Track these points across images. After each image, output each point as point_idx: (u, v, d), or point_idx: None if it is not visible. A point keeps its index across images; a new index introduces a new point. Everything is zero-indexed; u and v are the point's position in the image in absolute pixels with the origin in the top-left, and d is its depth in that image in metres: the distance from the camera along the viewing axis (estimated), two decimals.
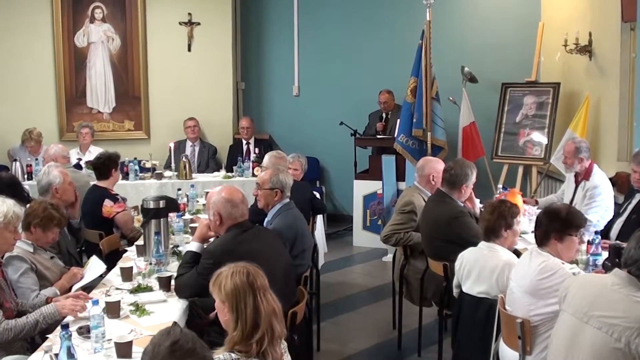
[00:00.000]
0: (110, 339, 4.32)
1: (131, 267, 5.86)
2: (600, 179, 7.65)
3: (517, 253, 5.61)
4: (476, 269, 5.48)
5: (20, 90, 12.03)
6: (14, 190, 7.08)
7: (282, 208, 6.36)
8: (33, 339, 5.09)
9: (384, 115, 11.88)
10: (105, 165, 7.94)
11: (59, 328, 4.25)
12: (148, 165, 10.74)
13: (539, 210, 5.86)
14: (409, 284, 7.24)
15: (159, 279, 5.51)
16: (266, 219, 6.42)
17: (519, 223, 5.62)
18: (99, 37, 12.27)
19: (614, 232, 7.03)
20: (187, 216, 8.05)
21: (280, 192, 6.38)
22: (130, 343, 4.19)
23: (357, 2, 12.89)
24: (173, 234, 7.00)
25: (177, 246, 6.67)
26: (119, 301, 4.98)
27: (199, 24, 12.50)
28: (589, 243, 5.86)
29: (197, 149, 12.15)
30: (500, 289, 5.16)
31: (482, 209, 6.11)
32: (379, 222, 10.89)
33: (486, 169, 10.99)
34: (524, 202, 7.87)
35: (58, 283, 5.66)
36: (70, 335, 3.96)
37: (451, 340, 6.09)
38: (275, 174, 6.43)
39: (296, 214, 6.44)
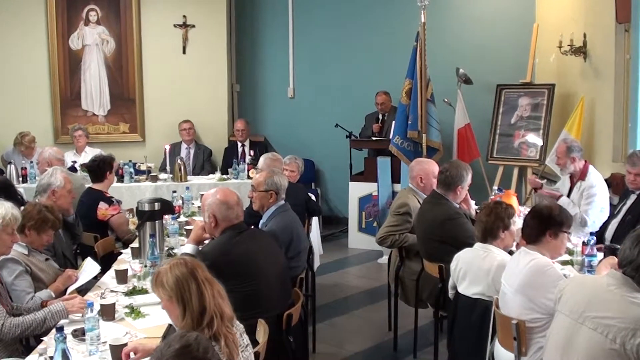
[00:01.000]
0: (105, 342, 4.32)
1: (126, 270, 5.86)
2: (596, 179, 7.68)
3: (512, 253, 5.62)
4: (472, 270, 5.48)
5: (15, 93, 12.02)
6: (7, 193, 7.07)
7: (277, 210, 6.37)
8: (28, 342, 5.09)
9: (380, 116, 11.88)
10: (100, 168, 7.93)
11: (53, 331, 4.24)
12: (143, 167, 10.72)
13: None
14: (404, 285, 7.23)
15: None
16: (261, 221, 6.42)
17: (515, 223, 5.63)
18: (93, 40, 12.26)
19: (609, 233, 7.03)
20: (182, 218, 8.06)
21: (275, 194, 6.38)
22: (125, 346, 4.18)
23: (352, 5, 12.90)
24: (168, 237, 7.00)
25: (172, 248, 6.68)
26: (114, 304, 4.98)
27: (193, 26, 12.50)
28: (584, 244, 5.87)
29: (192, 151, 12.15)
30: (496, 289, 5.16)
31: (478, 211, 6.11)
32: (375, 224, 10.88)
33: (481, 171, 11.01)
34: (533, 180, 7.92)
35: (53, 285, 5.64)
36: (65, 338, 3.96)
37: (447, 342, 6.09)
38: (270, 176, 6.43)
39: (291, 216, 6.44)
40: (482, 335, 5.30)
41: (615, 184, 8.05)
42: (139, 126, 12.55)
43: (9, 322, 4.77)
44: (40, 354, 4.16)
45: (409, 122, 10.13)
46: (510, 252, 5.58)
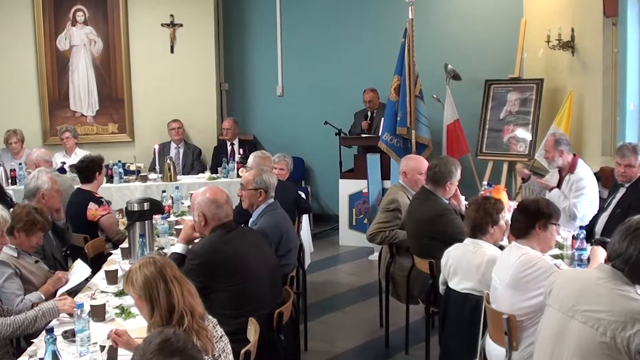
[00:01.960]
0: (96, 343, 4.30)
1: (116, 270, 5.85)
2: (585, 172, 7.70)
3: (503, 248, 5.62)
4: (462, 265, 5.49)
5: (2, 95, 11.96)
6: None
7: (267, 208, 6.35)
8: (19, 344, 5.08)
9: (369, 113, 11.88)
10: (89, 169, 7.91)
11: (44, 332, 4.23)
12: (132, 167, 10.70)
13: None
14: (395, 282, 7.24)
15: None
16: (251, 220, 6.41)
17: (504, 218, 5.63)
18: (81, 40, 12.23)
19: (599, 226, 7.06)
20: (172, 218, 8.05)
21: (265, 193, 6.36)
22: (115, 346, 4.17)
23: (339, 2, 12.88)
24: (158, 236, 6.99)
25: (162, 248, 6.66)
26: (104, 304, 4.97)
27: (181, 25, 12.48)
28: (574, 238, 5.87)
29: (181, 150, 12.13)
30: (486, 284, 5.16)
31: (467, 206, 6.11)
32: (365, 221, 10.88)
33: (471, 166, 11.02)
34: (522, 169, 7.95)
35: (43, 287, 5.63)
36: (55, 339, 3.95)
37: (438, 338, 6.09)
38: (258, 174, 6.42)
39: (281, 214, 6.43)
40: (473, 331, 5.31)
41: (604, 177, 8.08)
42: (128, 126, 12.53)
43: (0, 322, 4.76)
44: (31, 356, 4.16)
45: (398, 118, 10.15)
46: (501, 247, 5.59)
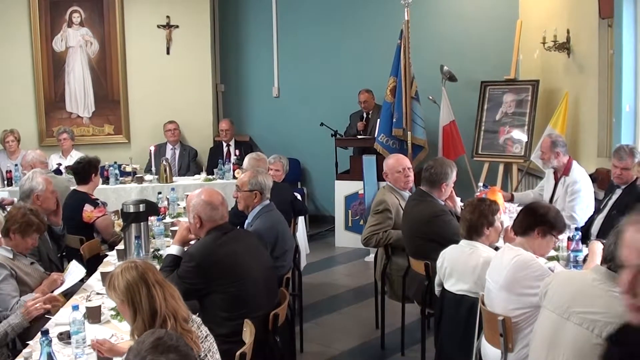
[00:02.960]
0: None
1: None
2: (580, 175, 7.71)
3: (498, 249, 5.63)
4: (457, 267, 5.49)
5: None
6: None
7: (262, 210, 6.36)
8: (15, 345, 5.07)
9: (364, 115, 11.89)
10: (85, 170, 7.90)
11: (39, 334, 4.23)
12: (128, 169, 10.70)
13: (519, 207, 5.87)
14: (391, 281, 7.24)
15: None
16: (246, 221, 6.41)
17: (500, 220, 5.64)
18: (77, 42, 12.24)
19: (595, 228, 7.07)
20: (168, 220, 8.04)
21: (260, 194, 6.37)
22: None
23: (335, 3, 12.89)
24: (154, 238, 6.97)
25: (158, 250, 6.65)
26: (99, 306, 4.97)
27: (177, 26, 12.49)
28: (570, 239, 5.88)
29: (177, 152, 12.14)
30: (482, 286, 5.17)
31: (463, 208, 6.11)
32: (361, 223, 10.87)
33: (467, 168, 11.04)
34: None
35: (38, 289, 5.63)
36: (51, 341, 3.95)
37: (434, 339, 6.09)
38: (254, 175, 6.42)
39: (276, 216, 6.43)
40: (468, 332, 5.31)
41: (600, 179, 8.08)
42: (124, 127, 12.54)
43: None
44: (26, 358, 4.15)
45: (394, 119, 10.19)
46: (496, 249, 5.60)
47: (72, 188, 8.03)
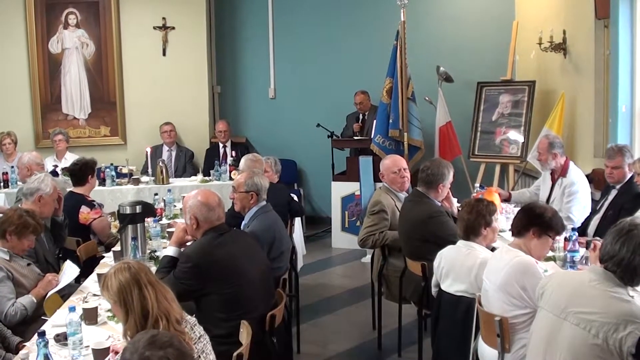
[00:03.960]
0: (88, 346, 4.30)
1: None
2: (577, 176, 7.71)
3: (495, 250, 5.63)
4: (454, 267, 5.49)
5: None
6: None
7: (259, 211, 6.35)
8: (9, 347, 5.07)
9: (360, 116, 11.89)
10: (81, 172, 7.90)
11: (35, 336, 4.22)
12: (125, 170, 10.67)
13: (516, 208, 5.87)
14: (389, 282, 7.22)
15: None
16: (243, 222, 6.41)
17: (497, 220, 5.64)
18: (73, 43, 12.21)
19: (591, 228, 7.06)
20: (164, 221, 8.03)
21: (256, 195, 6.36)
22: (107, 349, 4.16)
23: (331, 4, 12.89)
24: (150, 239, 6.97)
25: (155, 251, 6.65)
26: (96, 307, 4.95)
27: (173, 28, 12.47)
28: (566, 240, 5.88)
29: (173, 153, 12.12)
30: (478, 286, 5.17)
31: (460, 209, 6.11)
32: (358, 223, 10.85)
33: (463, 168, 11.04)
34: (497, 193, 7.91)
35: (34, 290, 5.63)
36: (47, 343, 3.94)
37: (431, 340, 6.08)
38: (250, 176, 6.42)
39: (273, 217, 6.42)
40: (465, 333, 5.30)
41: (596, 179, 8.08)
42: (120, 129, 12.51)
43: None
44: (23, 359, 4.14)
45: (390, 120, 10.19)
46: (492, 249, 5.60)
47: (68, 190, 8.02)
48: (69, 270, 5.90)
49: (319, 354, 7.46)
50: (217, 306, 4.89)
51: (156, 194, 9.19)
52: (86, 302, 5.27)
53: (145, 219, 6.81)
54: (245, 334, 4.64)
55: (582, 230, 6.92)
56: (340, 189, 11.42)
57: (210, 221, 5.28)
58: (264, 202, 6.46)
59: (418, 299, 6.48)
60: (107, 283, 3.79)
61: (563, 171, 7.74)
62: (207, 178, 10.75)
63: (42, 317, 5.25)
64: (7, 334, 5.20)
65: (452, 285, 5.52)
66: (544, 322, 3.98)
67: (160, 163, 10.60)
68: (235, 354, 4.27)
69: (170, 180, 10.67)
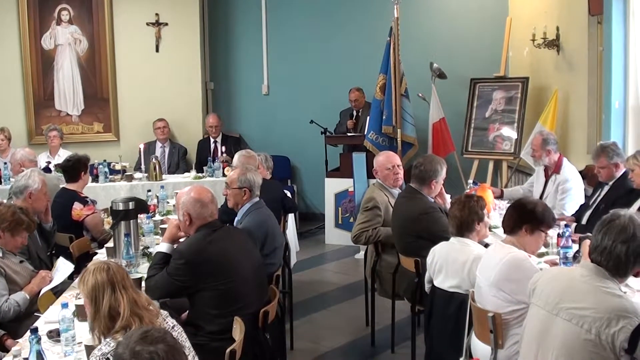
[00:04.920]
0: (81, 342, 4.29)
1: None
2: (571, 172, 7.74)
3: (488, 246, 5.63)
4: (448, 263, 5.49)
5: None
6: None
7: (252, 207, 6.35)
8: (3, 346, 5.06)
9: (354, 112, 11.88)
10: (74, 168, 7.89)
11: (28, 332, 4.21)
12: (118, 167, 10.66)
13: (509, 204, 5.87)
14: (382, 279, 7.22)
15: None
16: (236, 219, 6.41)
17: (487, 214, 5.66)
18: (66, 39, 12.19)
19: (583, 222, 7.06)
20: (157, 217, 8.03)
21: (249, 191, 6.35)
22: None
23: (325, 1, 12.89)
24: (143, 236, 6.96)
25: (148, 247, 6.63)
26: None
27: (166, 24, 12.45)
28: (559, 236, 5.88)
29: (167, 150, 12.10)
30: (472, 282, 5.17)
31: (451, 206, 6.11)
32: (351, 220, 10.86)
33: (457, 165, 11.05)
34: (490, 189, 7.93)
35: (27, 287, 5.63)
36: (40, 339, 3.93)
37: (424, 336, 6.09)
38: (243, 173, 6.42)
39: (266, 213, 6.42)
40: (458, 329, 5.31)
41: (590, 175, 8.09)
42: (113, 125, 12.50)
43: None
44: (15, 356, 4.14)
45: (384, 117, 10.21)
46: (486, 245, 5.60)
47: (61, 186, 8.01)
48: (63, 267, 5.89)
49: (312, 350, 7.47)
50: (210, 302, 4.88)
51: (149, 191, 9.17)
52: (79, 298, 5.25)
53: (138, 216, 6.80)
54: (238, 330, 4.65)
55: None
56: (333, 186, 11.42)
57: (203, 217, 5.27)
58: (257, 199, 6.46)
59: (411, 295, 6.48)
60: (84, 278, 3.85)
61: (557, 168, 7.76)
62: (200, 174, 10.74)
63: (35, 314, 5.24)
64: None
65: (445, 281, 5.53)
66: (536, 318, 3.98)
67: (154, 159, 10.59)
68: (228, 350, 4.27)
69: (164, 176, 10.67)
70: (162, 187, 9.08)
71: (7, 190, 8.25)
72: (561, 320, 3.76)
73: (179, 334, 3.93)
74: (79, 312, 4.82)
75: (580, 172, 7.93)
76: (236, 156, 8.34)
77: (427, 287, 5.87)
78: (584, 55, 8.84)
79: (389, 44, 10.26)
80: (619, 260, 3.72)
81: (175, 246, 5.47)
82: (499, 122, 10.74)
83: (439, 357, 5.72)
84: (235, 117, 13.48)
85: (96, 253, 6.88)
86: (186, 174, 11.07)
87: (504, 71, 11.08)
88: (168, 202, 8.73)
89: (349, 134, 11.55)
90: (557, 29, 9.58)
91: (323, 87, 12.84)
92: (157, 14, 12.40)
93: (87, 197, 7.87)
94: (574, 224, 6.81)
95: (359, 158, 10.73)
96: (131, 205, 6.38)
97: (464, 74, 11.47)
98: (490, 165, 10.95)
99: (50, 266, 6.50)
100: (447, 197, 7.28)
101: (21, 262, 5.89)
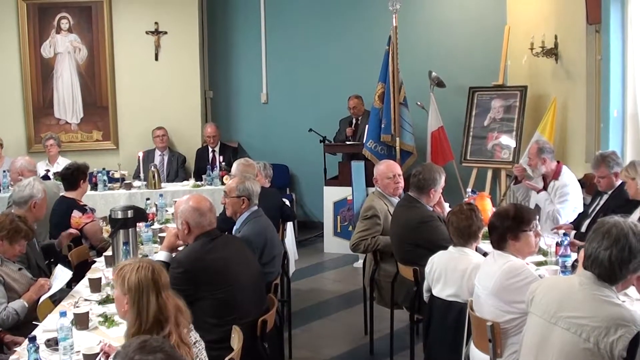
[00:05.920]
0: (79, 351, 4.29)
1: (100, 278, 5.82)
2: (569, 179, 7.75)
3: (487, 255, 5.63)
4: (446, 272, 5.49)
5: None
6: None
7: (250, 216, 6.34)
8: (2, 350, 5.06)
9: (353, 120, 11.89)
10: (73, 176, 7.89)
11: (26, 341, 4.21)
12: (117, 175, 10.67)
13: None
14: (380, 287, 7.22)
15: None
16: (234, 227, 6.40)
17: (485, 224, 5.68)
18: (65, 48, 12.21)
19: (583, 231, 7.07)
20: (156, 226, 8.03)
21: (248, 200, 6.35)
22: (99, 354, 4.16)
23: (324, 9, 12.89)
24: (142, 244, 6.97)
25: (146, 256, 6.61)
26: (87, 312, 4.94)
27: (165, 32, 12.47)
28: (558, 245, 5.88)
29: (165, 158, 12.10)
30: (470, 292, 5.17)
31: (448, 217, 6.11)
32: (350, 228, 10.84)
33: (455, 173, 11.04)
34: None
35: (26, 295, 5.63)
36: (38, 348, 3.94)
37: (423, 345, 6.08)
38: (241, 181, 6.42)
39: (264, 222, 6.41)
40: (457, 338, 5.30)
41: (588, 184, 8.10)
42: (112, 134, 12.51)
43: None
44: None
45: (382, 125, 10.21)
46: (484, 254, 5.60)
47: (60, 194, 8.02)
48: (61, 275, 5.90)
49: (310, 359, 7.48)
50: (209, 311, 4.88)
51: (148, 199, 9.18)
52: (77, 307, 5.26)
53: (137, 224, 6.81)
54: (236, 339, 4.65)
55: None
56: (332, 194, 11.42)
57: (201, 226, 5.27)
58: (256, 207, 6.45)
59: (410, 304, 6.48)
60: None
61: (555, 174, 7.77)
62: (199, 183, 10.76)
63: (34, 322, 5.24)
64: None
65: (443, 290, 5.52)
66: (535, 327, 3.98)
67: (152, 168, 10.60)
68: (226, 359, 4.26)
69: (162, 185, 10.68)
70: (160, 195, 9.07)
71: (5, 198, 8.26)
72: (560, 329, 3.76)
73: (200, 351, 3.92)
74: (77, 321, 4.82)
75: (579, 181, 7.94)
76: (235, 165, 8.35)
77: (425, 296, 5.87)
78: (582, 63, 8.84)
79: (387, 52, 10.28)
80: (604, 267, 3.72)
81: (173, 255, 5.48)
82: (498, 130, 10.75)
83: None
84: (234, 125, 13.49)
85: (94, 261, 6.88)
86: (185, 183, 11.09)
87: (502, 80, 11.09)
88: (167, 211, 8.73)
89: (347, 143, 11.55)
90: (556, 37, 9.59)
91: (322, 96, 12.85)
92: (156, 23, 12.41)
93: (86, 205, 7.87)
94: (573, 232, 6.83)
95: (357, 166, 10.72)
96: (130, 213, 6.40)
97: (463, 82, 11.48)
98: (489, 174, 10.94)
99: (48, 274, 6.50)
100: (446, 205, 7.29)
101: (20, 269, 5.90)
